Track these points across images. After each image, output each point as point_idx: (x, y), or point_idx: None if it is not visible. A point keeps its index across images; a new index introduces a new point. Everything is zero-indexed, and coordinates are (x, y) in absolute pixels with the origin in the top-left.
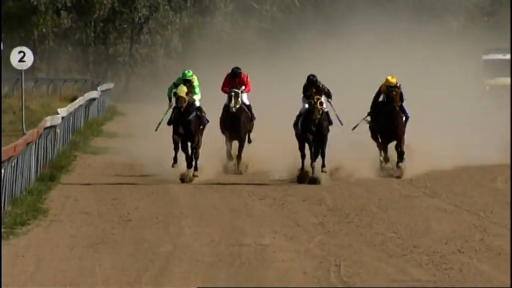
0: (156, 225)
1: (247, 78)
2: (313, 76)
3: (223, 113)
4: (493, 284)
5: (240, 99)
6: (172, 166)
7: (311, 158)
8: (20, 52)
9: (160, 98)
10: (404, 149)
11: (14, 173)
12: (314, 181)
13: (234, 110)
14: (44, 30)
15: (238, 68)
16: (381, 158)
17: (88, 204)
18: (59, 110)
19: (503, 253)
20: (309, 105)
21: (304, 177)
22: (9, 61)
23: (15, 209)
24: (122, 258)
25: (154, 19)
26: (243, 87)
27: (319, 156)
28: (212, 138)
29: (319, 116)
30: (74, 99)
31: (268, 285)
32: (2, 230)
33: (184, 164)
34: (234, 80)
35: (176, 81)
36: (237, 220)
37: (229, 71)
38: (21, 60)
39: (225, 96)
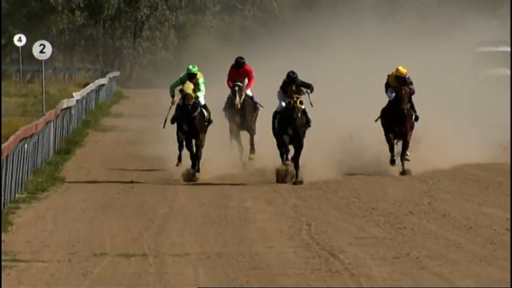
0: (156, 191)
1: (251, 70)
2: (293, 73)
3: (226, 105)
4: (438, 240)
5: (243, 92)
6: (177, 165)
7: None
8: (40, 45)
9: (159, 84)
10: (408, 152)
11: (35, 147)
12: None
13: (239, 106)
14: (61, 26)
15: (241, 58)
16: (394, 158)
17: (98, 174)
18: (73, 94)
19: (448, 215)
20: (287, 104)
21: (285, 174)
22: (32, 53)
23: (37, 177)
24: (126, 218)
25: (154, 17)
26: (246, 81)
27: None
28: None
29: (299, 115)
30: (86, 85)
31: (249, 241)
32: (25, 195)
33: (188, 162)
34: (238, 71)
35: (182, 77)
36: (223, 187)
37: (233, 61)
38: (41, 52)
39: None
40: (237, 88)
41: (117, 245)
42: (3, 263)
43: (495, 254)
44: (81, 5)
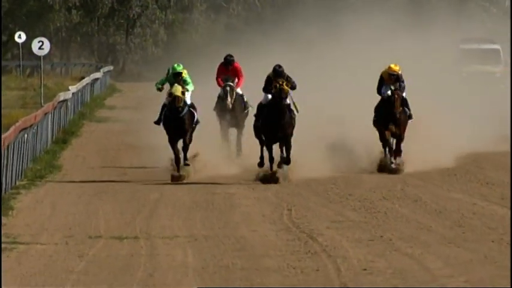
0: (147, 178)
1: (240, 67)
2: (279, 66)
3: (217, 104)
4: (410, 224)
5: (234, 92)
6: (173, 175)
7: (270, 157)
8: (39, 41)
9: (150, 78)
10: (402, 147)
11: (34, 137)
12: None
13: (230, 106)
14: (58, 24)
15: (231, 56)
16: (385, 155)
17: (93, 162)
18: (70, 87)
19: (419, 200)
20: (274, 88)
21: (271, 177)
22: (31, 49)
23: (36, 165)
24: (120, 203)
25: (145, 16)
26: (236, 80)
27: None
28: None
29: (286, 96)
30: (81, 78)
31: (234, 224)
32: (25, 182)
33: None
34: (227, 68)
35: (168, 76)
36: (210, 175)
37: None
38: (40, 48)
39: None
40: (228, 88)
41: (111, 228)
42: (3, 245)
43: (463, 236)
44: (77, 4)
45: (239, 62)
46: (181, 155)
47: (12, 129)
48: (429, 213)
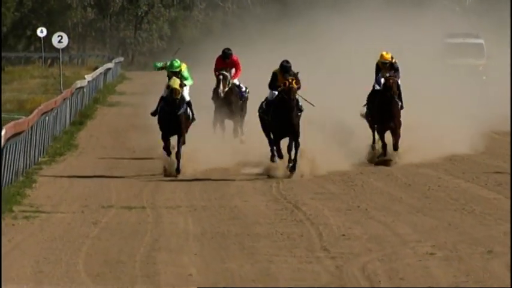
0: (152, 155)
1: (238, 60)
2: (287, 62)
3: (213, 96)
4: (383, 195)
5: (228, 81)
6: (165, 170)
7: (278, 153)
8: (58, 36)
9: None
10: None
11: (54, 119)
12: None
13: (222, 95)
14: (75, 20)
15: (228, 49)
16: (373, 145)
17: (105, 141)
18: (86, 76)
19: (391, 174)
20: (283, 85)
21: (275, 172)
22: (52, 42)
23: (56, 144)
24: (129, 178)
25: (151, 13)
26: (233, 70)
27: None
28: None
29: (295, 96)
30: (96, 68)
31: (229, 196)
32: (47, 158)
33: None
34: (224, 61)
35: (168, 65)
36: (208, 152)
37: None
38: (59, 42)
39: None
40: (221, 77)
41: (121, 199)
42: (29, 214)
43: (429, 206)
44: (92, 2)
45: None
46: (175, 150)
47: (35, 112)
48: (400, 186)
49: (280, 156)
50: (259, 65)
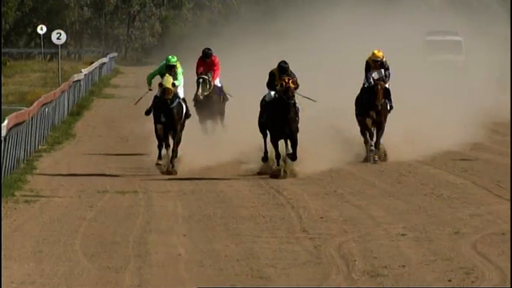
0: (145, 142)
1: (216, 60)
2: (285, 62)
3: (194, 98)
4: (358, 181)
5: (208, 85)
6: (157, 163)
7: (276, 154)
8: (57, 33)
9: (147, 62)
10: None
11: (53, 110)
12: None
13: (201, 97)
14: (73, 19)
15: (208, 49)
16: (368, 147)
17: (101, 130)
18: (82, 70)
19: (365, 162)
20: (280, 86)
21: (278, 173)
22: (51, 39)
23: (54, 133)
24: (122, 163)
25: (143, 12)
26: (211, 73)
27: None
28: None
29: (292, 95)
30: (91, 63)
31: (215, 181)
32: (46, 146)
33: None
34: (205, 61)
35: (159, 68)
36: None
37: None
38: (58, 38)
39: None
40: (201, 80)
41: (115, 185)
42: (29, 198)
43: (401, 191)
44: (88, 2)
45: (219, 52)
46: (170, 148)
47: (35, 104)
48: (374, 172)
49: (278, 156)
50: (242, 58)
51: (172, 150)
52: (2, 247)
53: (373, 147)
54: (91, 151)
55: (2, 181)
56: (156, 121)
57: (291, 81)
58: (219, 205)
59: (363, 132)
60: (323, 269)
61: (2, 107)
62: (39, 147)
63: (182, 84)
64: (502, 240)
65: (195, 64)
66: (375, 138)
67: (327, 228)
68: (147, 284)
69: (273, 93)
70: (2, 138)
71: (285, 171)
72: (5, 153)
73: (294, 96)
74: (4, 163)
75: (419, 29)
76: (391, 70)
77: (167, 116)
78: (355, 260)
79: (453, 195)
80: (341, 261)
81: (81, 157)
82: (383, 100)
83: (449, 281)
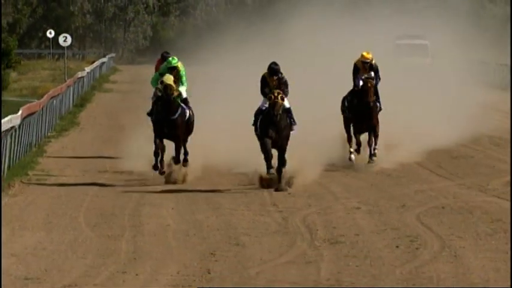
0: (140, 130)
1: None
2: (275, 64)
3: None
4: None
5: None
6: (161, 172)
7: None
8: (64, 36)
9: (140, 62)
10: (377, 143)
11: (61, 102)
12: (279, 189)
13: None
14: (77, 24)
15: (167, 53)
16: (351, 150)
17: (101, 120)
18: (85, 68)
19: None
20: (268, 100)
21: (269, 183)
22: (58, 41)
23: (62, 122)
24: (121, 148)
25: (137, 19)
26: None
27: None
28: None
29: (280, 112)
30: (93, 62)
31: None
32: (54, 133)
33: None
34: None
35: (161, 70)
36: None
37: (159, 56)
38: (64, 41)
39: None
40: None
41: (114, 165)
42: (40, 177)
43: (357, 170)
44: (90, 10)
45: (203, 51)
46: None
47: (45, 96)
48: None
49: (269, 167)
50: (223, 55)
51: (175, 159)
52: (18, 219)
53: (371, 160)
54: (93, 137)
55: (15, 165)
56: (156, 132)
57: (279, 96)
58: (201, 182)
59: (347, 129)
60: (290, 237)
61: (17, 100)
62: (49, 133)
63: (182, 89)
64: (441, 212)
65: (154, 67)
66: (368, 150)
67: (293, 202)
68: (141, 251)
69: (266, 105)
70: (17, 127)
71: (274, 183)
72: (20, 139)
73: (279, 111)
74: (19, 147)
75: (390, 33)
76: (380, 74)
77: (169, 128)
78: (317, 230)
79: (401, 174)
80: (305, 230)
81: (85, 142)
82: (374, 97)
83: (397, 247)
